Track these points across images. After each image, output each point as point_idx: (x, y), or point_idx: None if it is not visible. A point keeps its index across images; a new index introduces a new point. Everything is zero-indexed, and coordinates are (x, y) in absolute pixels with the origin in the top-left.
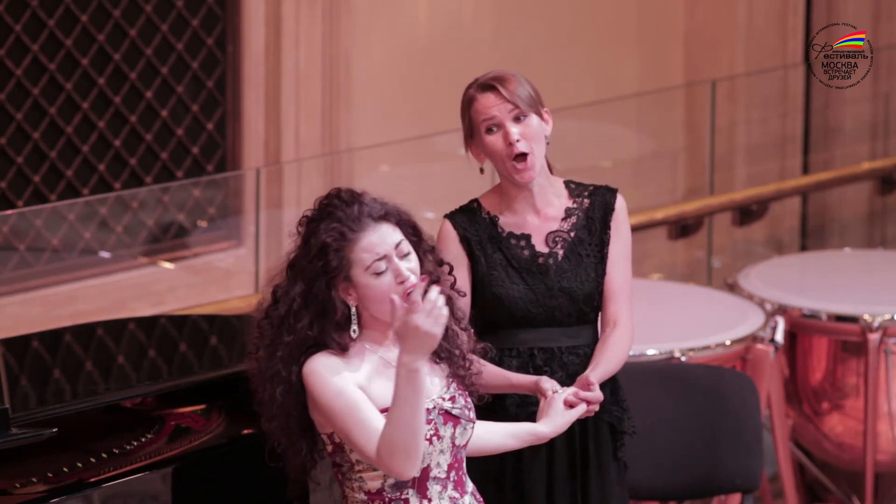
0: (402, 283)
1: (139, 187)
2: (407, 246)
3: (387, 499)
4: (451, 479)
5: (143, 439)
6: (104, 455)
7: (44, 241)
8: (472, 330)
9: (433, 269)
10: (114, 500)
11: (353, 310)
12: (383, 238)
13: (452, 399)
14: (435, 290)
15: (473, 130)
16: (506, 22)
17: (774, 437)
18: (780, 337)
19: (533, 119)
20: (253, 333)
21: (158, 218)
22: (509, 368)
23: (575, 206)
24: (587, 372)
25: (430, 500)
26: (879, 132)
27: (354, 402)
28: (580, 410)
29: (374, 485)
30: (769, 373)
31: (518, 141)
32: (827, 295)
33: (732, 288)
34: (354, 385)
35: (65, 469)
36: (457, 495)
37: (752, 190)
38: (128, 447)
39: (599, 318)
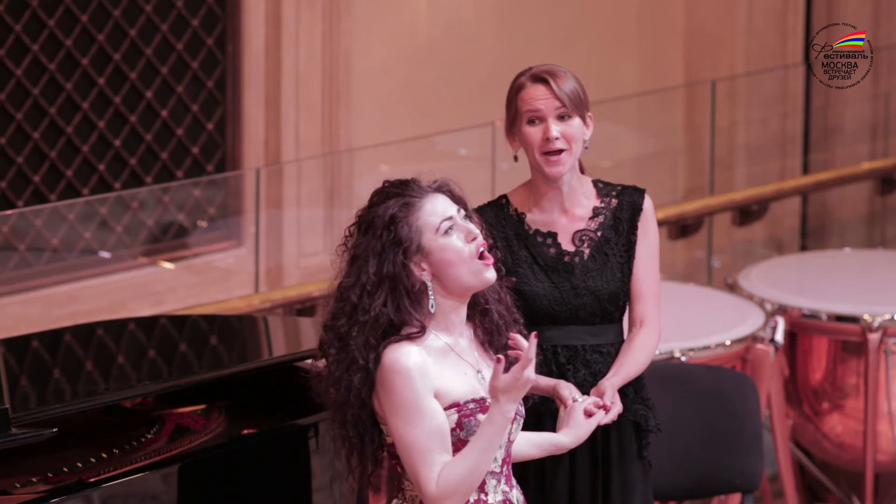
0: (473, 240)
1: (139, 187)
2: (464, 215)
3: None
4: (504, 472)
5: (143, 439)
6: (104, 455)
7: (44, 241)
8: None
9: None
10: (114, 500)
11: (430, 283)
12: (445, 204)
13: None
14: (520, 338)
15: (516, 118)
16: (506, 22)
17: (774, 437)
18: (780, 337)
19: (576, 120)
20: (318, 338)
21: (158, 218)
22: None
23: (602, 205)
24: (608, 377)
25: (486, 494)
26: (879, 132)
27: (435, 430)
28: (599, 418)
29: None
30: (769, 373)
31: (557, 139)
32: (827, 295)
33: (732, 288)
34: (433, 395)
35: (65, 469)
36: (507, 489)
37: (752, 190)
38: (128, 447)
39: (626, 318)
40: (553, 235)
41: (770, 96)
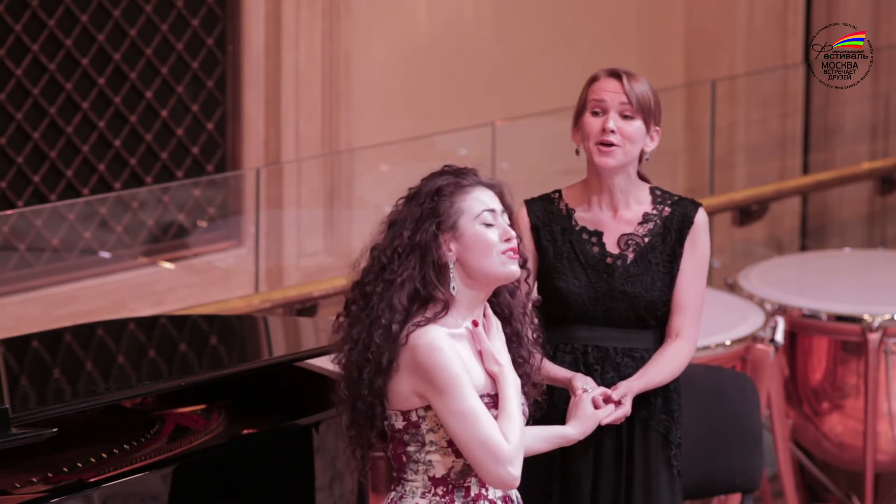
0: (507, 240)
1: (139, 187)
2: (507, 219)
3: (450, 485)
4: None
5: (143, 439)
6: (104, 455)
7: (44, 241)
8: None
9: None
10: (114, 500)
11: (453, 266)
12: (493, 198)
13: None
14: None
15: (582, 109)
16: (506, 22)
17: (774, 437)
18: (780, 337)
19: (638, 122)
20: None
21: (158, 218)
22: (562, 363)
23: (654, 212)
24: (630, 379)
25: (487, 490)
26: (879, 132)
27: (478, 397)
28: (607, 411)
29: (440, 470)
30: (769, 373)
31: (612, 132)
32: (827, 295)
33: (732, 288)
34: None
35: (65, 469)
36: None
37: (752, 190)
38: (128, 447)
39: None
40: (599, 235)
41: (770, 96)
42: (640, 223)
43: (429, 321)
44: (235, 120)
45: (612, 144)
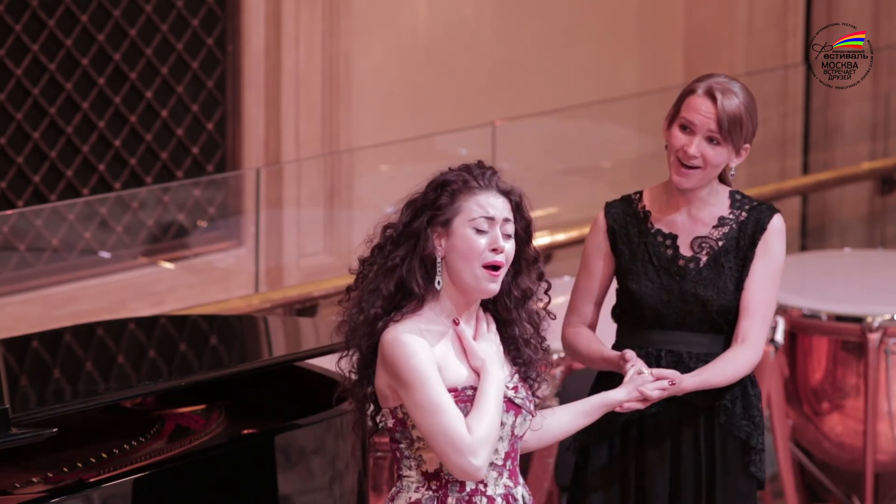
0: (494, 251)
1: (139, 187)
2: (511, 230)
3: (444, 480)
4: (507, 467)
5: (143, 439)
6: (104, 455)
7: (44, 241)
8: (545, 314)
9: (530, 283)
10: (114, 500)
11: (440, 261)
12: (499, 207)
13: (516, 389)
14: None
15: (675, 117)
16: (506, 22)
17: (774, 437)
18: (780, 337)
19: (724, 148)
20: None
21: (158, 218)
22: None
23: (731, 216)
24: (685, 375)
25: (486, 486)
26: (879, 132)
27: (445, 390)
28: (655, 385)
29: (432, 465)
30: (769, 373)
31: (694, 157)
32: (827, 295)
33: None
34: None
35: (65, 469)
36: (511, 484)
37: (752, 190)
38: (128, 447)
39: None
40: (673, 238)
41: (770, 96)
42: (716, 226)
43: (404, 316)
44: (235, 120)
45: (692, 167)
